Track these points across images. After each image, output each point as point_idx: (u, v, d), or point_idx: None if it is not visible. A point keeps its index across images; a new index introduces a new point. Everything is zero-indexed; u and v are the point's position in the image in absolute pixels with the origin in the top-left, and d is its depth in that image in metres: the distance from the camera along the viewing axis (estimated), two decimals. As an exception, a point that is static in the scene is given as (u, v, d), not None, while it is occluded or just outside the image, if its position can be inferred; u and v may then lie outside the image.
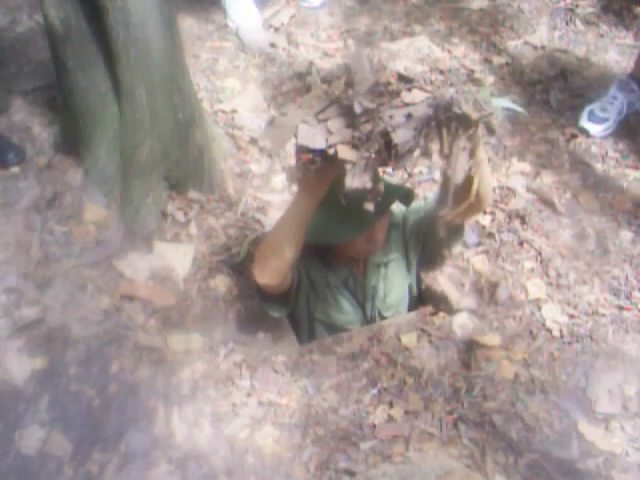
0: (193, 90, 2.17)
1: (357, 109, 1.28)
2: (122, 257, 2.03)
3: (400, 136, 1.28)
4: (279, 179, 2.38)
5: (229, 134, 2.47)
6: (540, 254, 2.13)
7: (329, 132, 1.31)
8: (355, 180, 1.31)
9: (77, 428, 1.68)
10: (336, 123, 1.31)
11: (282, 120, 1.34)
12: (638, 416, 1.76)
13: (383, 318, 2.05)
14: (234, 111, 2.58)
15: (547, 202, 2.29)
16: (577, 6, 3.21)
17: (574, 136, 2.55)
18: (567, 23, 3.12)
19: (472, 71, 1.36)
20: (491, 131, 1.39)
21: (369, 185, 1.33)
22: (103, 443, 1.66)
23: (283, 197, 2.32)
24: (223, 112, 2.57)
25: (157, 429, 1.69)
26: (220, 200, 2.24)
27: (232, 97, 2.66)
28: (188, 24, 2.94)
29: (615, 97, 2.56)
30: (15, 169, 2.19)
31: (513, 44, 3.00)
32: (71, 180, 2.17)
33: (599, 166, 2.45)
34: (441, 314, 2.01)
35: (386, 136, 1.29)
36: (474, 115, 1.30)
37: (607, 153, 2.50)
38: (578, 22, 3.12)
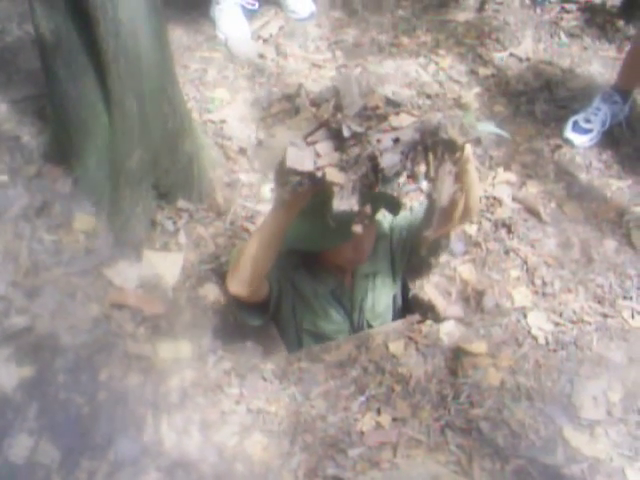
0: (183, 100, 2.19)
1: (346, 133, 1.30)
2: (111, 266, 2.04)
3: (387, 160, 1.30)
4: (268, 189, 2.40)
5: (218, 144, 2.49)
6: (526, 263, 2.16)
7: (317, 155, 1.33)
8: (342, 203, 1.34)
9: (66, 436, 1.68)
10: (324, 146, 1.34)
11: (271, 142, 1.37)
12: (622, 422, 1.78)
13: (370, 327, 2.07)
14: (223, 121, 2.59)
15: (532, 211, 2.33)
16: (561, 19, 3.26)
17: (559, 146, 2.59)
18: (552, 36, 3.17)
19: (459, 96, 1.39)
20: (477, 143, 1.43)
21: (356, 207, 1.35)
22: (92, 451, 1.66)
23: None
24: (212, 122, 2.59)
25: (146, 437, 1.70)
26: (209, 209, 2.25)
27: (221, 107, 2.67)
28: (177, 35, 2.96)
29: (599, 108, 2.61)
30: (4, 178, 2.20)
31: (499, 56, 3.04)
32: (60, 189, 2.18)
33: (583, 176, 2.49)
34: (428, 322, 2.03)
35: (373, 160, 1.31)
36: (460, 140, 1.33)
37: (591, 163, 2.54)
38: (562, 35, 3.17)
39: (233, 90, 2.76)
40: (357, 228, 1.41)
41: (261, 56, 2.95)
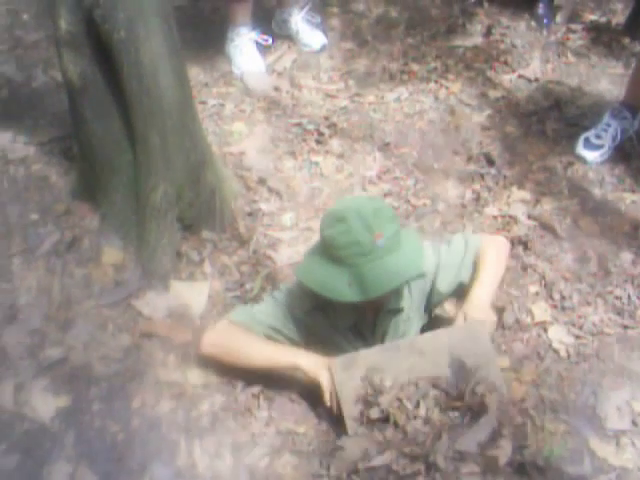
0: (203, 134, 2.27)
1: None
2: (140, 297, 2.10)
3: None
4: (288, 217, 2.46)
5: (238, 175, 2.57)
6: (544, 278, 2.20)
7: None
8: None
9: (102, 463, 1.73)
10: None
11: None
12: (647, 431, 1.80)
13: None
14: (242, 153, 2.68)
15: (548, 228, 2.36)
16: (568, 39, 3.33)
17: (571, 163, 2.63)
18: (559, 56, 3.23)
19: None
20: None
21: None
22: (128, 476, 1.70)
23: (292, 234, 2.40)
24: (232, 154, 2.67)
25: (180, 461, 1.74)
26: (232, 239, 2.32)
27: (240, 140, 2.76)
28: (195, 72, 3.06)
29: (609, 124, 2.65)
30: (35, 216, 2.28)
31: (508, 78, 3.11)
32: (89, 225, 2.26)
33: (597, 191, 2.52)
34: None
35: None
36: None
37: (604, 178, 2.58)
38: (569, 54, 3.23)
39: (250, 123, 2.85)
40: None
41: (276, 89, 3.04)
